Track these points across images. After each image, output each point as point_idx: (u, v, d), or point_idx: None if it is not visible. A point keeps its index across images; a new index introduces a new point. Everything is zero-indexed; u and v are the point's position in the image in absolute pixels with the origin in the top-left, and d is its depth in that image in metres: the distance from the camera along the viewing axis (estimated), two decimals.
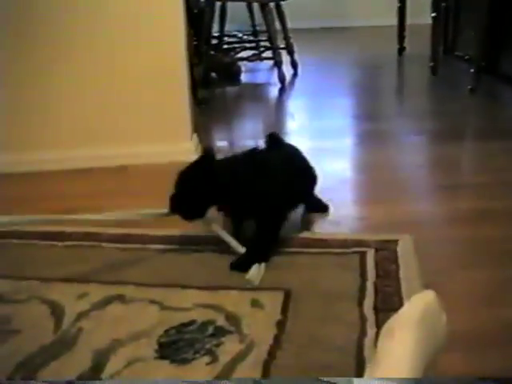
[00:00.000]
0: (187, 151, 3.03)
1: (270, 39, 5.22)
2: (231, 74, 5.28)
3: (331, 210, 2.49)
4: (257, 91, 5.24)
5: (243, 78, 5.41)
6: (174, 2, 3.06)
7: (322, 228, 2.39)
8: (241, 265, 2.05)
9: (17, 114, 3.14)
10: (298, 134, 3.77)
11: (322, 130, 3.83)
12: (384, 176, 2.95)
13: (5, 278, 2.11)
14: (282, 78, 5.07)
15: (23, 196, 2.86)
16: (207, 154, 2.13)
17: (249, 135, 3.87)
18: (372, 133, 3.73)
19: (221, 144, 3.70)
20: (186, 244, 2.27)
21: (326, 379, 1.36)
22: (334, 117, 4.23)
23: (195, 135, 3.30)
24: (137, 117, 3.16)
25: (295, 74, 5.51)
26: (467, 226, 2.40)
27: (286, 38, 5.52)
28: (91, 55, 3.09)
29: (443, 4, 5.27)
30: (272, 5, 5.25)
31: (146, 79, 3.12)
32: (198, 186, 2.07)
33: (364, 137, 3.71)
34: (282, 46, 5.41)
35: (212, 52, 5.33)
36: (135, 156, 3.14)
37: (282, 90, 5.03)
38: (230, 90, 5.19)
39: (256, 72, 5.81)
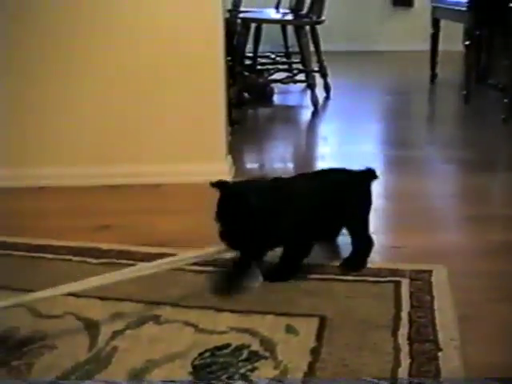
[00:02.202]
0: (221, 172, 3.04)
1: (304, 61, 5.24)
2: (264, 95, 5.31)
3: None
4: (289, 113, 5.27)
5: (276, 99, 5.43)
6: (214, 21, 3.09)
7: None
8: (277, 275, 2.17)
9: (67, 129, 3.20)
10: (329, 158, 3.78)
11: (352, 155, 3.83)
12: (415, 204, 2.95)
13: None
14: (314, 101, 5.08)
15: (65, 209, 2.91)
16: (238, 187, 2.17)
17: (280, 157, 3.89)
18: (402, 160, 3.73)
19: (252, 166, 3.71)
20: (222, 266, 2.27)
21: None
22: (365, 142, 4.24)
23: (229, 156, 3.32)
24: (172, 135, 3.18)
25: (327, 98, 5.52)
26: (499, 258, 2.40)
27: (320, 61, 5.53)
28: (126, 70, 3.13)
29: (477, 32, 5.27)
30: (307, 27, 5.28)
31: (183, 97, 3.15)
32: (256, 222, 2.02)
33: (395, 164, 3.72)
34: (316, 68, 5.42)
35: (246, 73, 5.35)
36: (169, 174, 3.16)
37: (314, 113, 5.04)
38: (263, 111, 5.22)
39: (288, 94, 5.82)
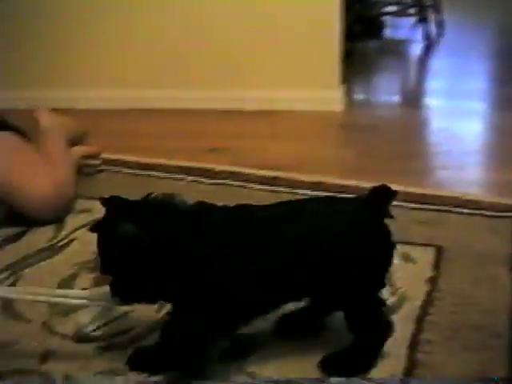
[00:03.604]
0: (334, 100, 3.01)
1: None
2: (375, 28, 5.20)
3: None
4: (399, 47, 5.15)
5: (386, 32, 5.32)
6: None
7: (471, 189, 2.33)
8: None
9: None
10: (438, 93, 3.69)
11: (462, 92, 3.72)
12: None
13: None
14: (427, 36, 4.96)
15: (178, 131, 2.94)
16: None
17: (389, 91, 3.82)
18: None
19: (360, 97, 3.65)
20: (334, 192, 2.23)
21: None
22: (476, 79, 4.11)
23: (343, 85, 3.26)
24: (287, 61, 3.15)
25: (440, 34, 5.37)
26: None
27: None
28: None
29: None
30: None
31: (299, 22, 3.11)
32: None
33: (505, 101, 3.59)
34: (430, 2, 5.28)
35: (357, 4, 5.25)
36: (282, 101, 3.13)
37: (425, 48, 4.92)
38: (373, 43, 5.12)
39: (399, 28, 5.69)
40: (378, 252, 1.38)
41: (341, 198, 1.64)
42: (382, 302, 1.42)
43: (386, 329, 1.40)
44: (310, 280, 1.34)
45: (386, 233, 1.39)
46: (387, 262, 1.41)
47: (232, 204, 1.39)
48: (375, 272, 1.39)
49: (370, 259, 1.36)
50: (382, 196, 1.40)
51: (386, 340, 1.40)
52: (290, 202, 1.45)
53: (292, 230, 1.32)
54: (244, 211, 1.37)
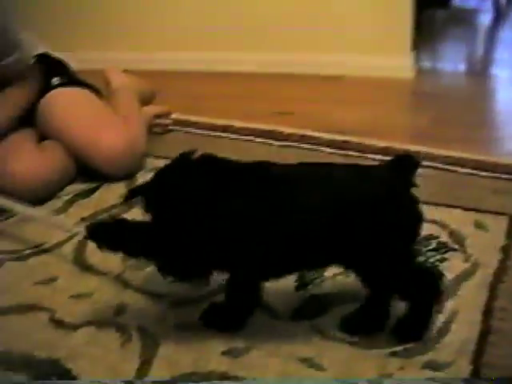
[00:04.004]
0: (404, 67, 2.98)
1: None
2: None
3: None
4: (468, 17, 5.07)
5: (454, 1, 5.23)
6: None
7: None
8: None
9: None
10: (506, 64, 3.62)
11: None
12: None
13: None
14: (496, 7, 4.87)
15: (246, 93, 2.96)
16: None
17: (456, 60, 3.77)
18: None
19: (429, 65, 3.61)
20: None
21: None
22: None
23: (413, 53, 3.22)
24: (358, 25, 3.11)
25: (510, 4, 5.26)
26: None
27: None
28: None
29: None
30: None
31: None
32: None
33: None
34: None
35: None
36: (351, 66, 3.11)
37: (494, 19, 4.83)
38: (441, 13, 5.04)
39: None
40: (405, 220, 1.31)
41: (367, 165, 1.55)
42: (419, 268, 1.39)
43: (433, 294, 1.36)
44: (336, 245, 1.31)
45: (414, 201, 1.33)
46: (415, 231, 1.34)
47: None
48: (402, 242, 1.33)
49: (396, 227, 1.30)
50: (407, 164, 1.35)
51: (432, 304, 1.36)
52: (317, 164, 1.41)
53: (320, 194, 1.29)
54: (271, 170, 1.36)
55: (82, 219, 1.90)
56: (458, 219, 1.84)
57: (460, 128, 2.53)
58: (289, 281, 1.54)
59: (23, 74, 2.15)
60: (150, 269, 1.59)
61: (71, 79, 2.28)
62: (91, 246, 1.44)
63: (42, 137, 2.20)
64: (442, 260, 1.66)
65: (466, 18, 5.00)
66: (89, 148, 2.09)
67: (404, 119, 2.72)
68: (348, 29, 3.12)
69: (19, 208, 1.87)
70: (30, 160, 2.03)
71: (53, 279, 1.66)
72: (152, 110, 2.49)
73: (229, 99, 2.87)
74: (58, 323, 1.49)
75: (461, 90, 3.19)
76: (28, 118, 2.20)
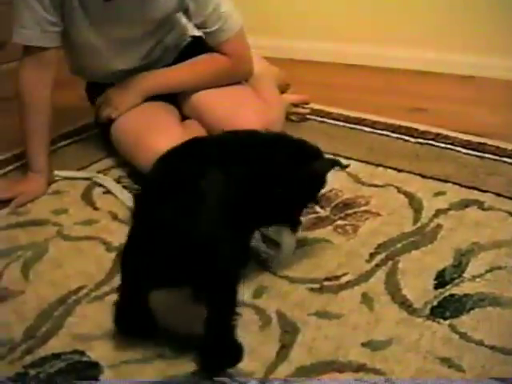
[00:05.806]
0: None
1: None
2: None
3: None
4: None
5: None
6: None
7: None
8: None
9: None
10: None
11: None
12: None
13: (362, 162, 2.18)
14: None
15: (382, 88, 2.97)
16: None
17: None
18: None
19: None
20: None
21: None
22: None
23: None
24: (490, 26, 3.06)
25: None
26: None
27: None
28: None
29: None
30: None
31: None
32: None
33: None
34: None
35: None
36: (482, 67, 3.05)
37: None
38: None
39: None
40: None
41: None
42: None
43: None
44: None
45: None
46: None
47: None
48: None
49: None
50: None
51: None
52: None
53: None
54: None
55: None
56: None
57: None
58: (428, 278, 1.56)
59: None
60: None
61: None
62: None
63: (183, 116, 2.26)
64: None
65: None
66: (224, 123, 2.01)
67: None
68: (480, 30, 3.05)
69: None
70: (176, 136, 1.95)
71: None
72: (290, 97, 2.52)
73: (364, 92, 2.87)
74: None
75: None
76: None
